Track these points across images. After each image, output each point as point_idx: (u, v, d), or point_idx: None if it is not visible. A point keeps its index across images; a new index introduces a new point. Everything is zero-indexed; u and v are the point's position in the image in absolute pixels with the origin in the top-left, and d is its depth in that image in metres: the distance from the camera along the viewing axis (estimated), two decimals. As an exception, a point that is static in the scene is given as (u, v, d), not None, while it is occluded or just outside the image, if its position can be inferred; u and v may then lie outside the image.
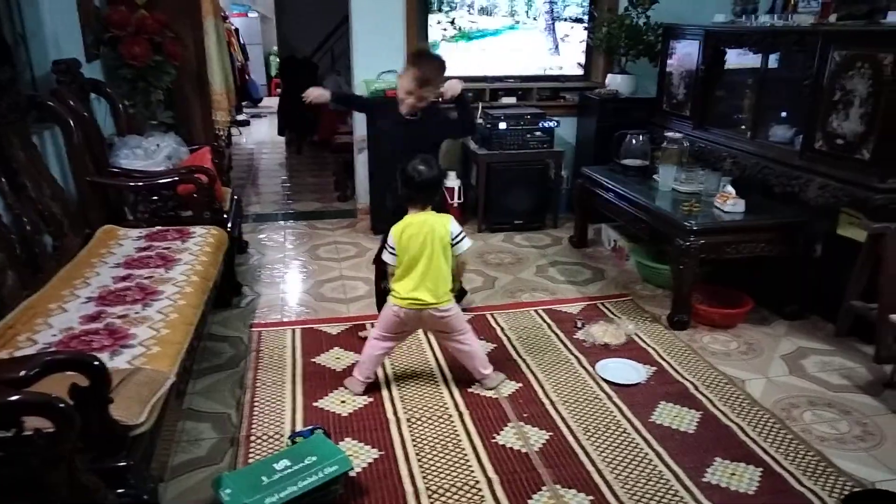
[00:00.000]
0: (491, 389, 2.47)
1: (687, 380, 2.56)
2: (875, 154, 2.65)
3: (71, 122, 2.75)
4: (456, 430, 2.24)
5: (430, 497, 1.93)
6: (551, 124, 4.31)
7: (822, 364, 2.69)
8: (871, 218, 2.67)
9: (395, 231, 2.36)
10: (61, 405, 1.25)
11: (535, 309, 3.19)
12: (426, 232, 2.32)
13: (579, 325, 3.00)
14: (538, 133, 4.29)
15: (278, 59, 10.86)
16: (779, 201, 3.15)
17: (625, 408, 2.38)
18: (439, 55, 3.07)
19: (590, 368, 2.64)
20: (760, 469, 2.05)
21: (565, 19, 4.68)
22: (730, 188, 3.13)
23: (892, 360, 2.58)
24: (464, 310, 3.06)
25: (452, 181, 4.44)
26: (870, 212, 2.66)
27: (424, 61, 2.75)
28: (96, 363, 1.44)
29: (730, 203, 3.06)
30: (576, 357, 2.74)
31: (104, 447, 1.48)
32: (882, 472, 2.04)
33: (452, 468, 2.05)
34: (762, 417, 2.32)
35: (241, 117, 8.39)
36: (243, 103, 9.13)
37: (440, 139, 2.99)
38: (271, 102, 10.46)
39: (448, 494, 1.94)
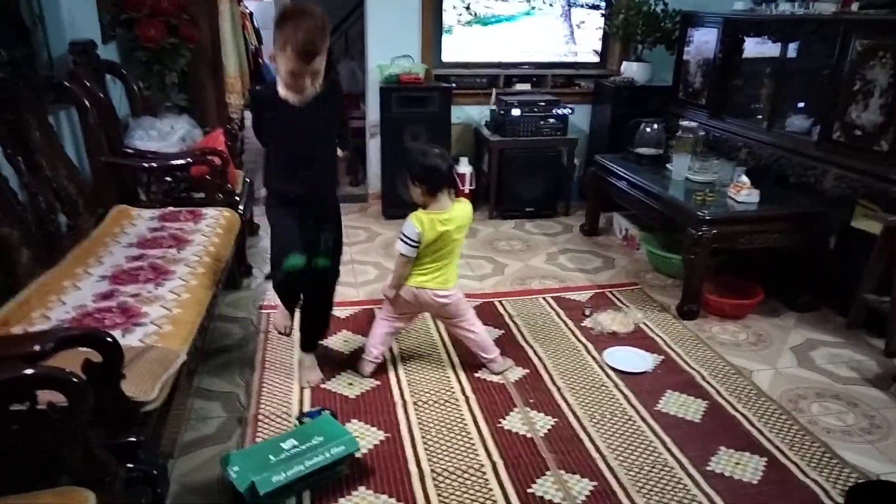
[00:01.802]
0: (497, 374, 2.49)
1: (694, 369, 2.56)
2: (894, 146, 2.61)
3: (87, 103, 2.78)
4: (462, 414, 2.26)
5: (434, 479, 1.95)
6: (565, 111, 4.29)
7: (831, 356, 2.67)
8: (888, 210, 2.64)
9: (419, 223, 2.30)
10: (75, 379, 1.27)
11: (543, 296, 3.19)
12: (455, 225, 2.35)
13: (587, 312, 3.00)
14: (552, 120, 4.26)
15: (293, 43, 10.87)
16: (794, 192, 3.12)
17: (631, 396, 2.39)
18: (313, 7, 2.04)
19: (597, 356, 2.65)
20: (765, 459, 2.05)
21: (581, 6, 4.64)
22: (744, 178, 3.10)
23: (903, 353, 2.56)
24: (471, 296, 3.08)
25: (464, 167, 4.44)
26: (887, 204, 2.63)
27: (302, 21, 1.96)
28: (109, 339, 1.46)
29: (744, 193, 3.03)
30: (583, 344, 2.74)
31: (116, 423, 1.51)
32: (887, 465, 2.04)
33: (458, 452, 2.07)
34: (769, 408, 2.31)
35: (255, 101, 8.39)
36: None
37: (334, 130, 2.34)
38: (286, 86, 10.48)
39: (453, 477, 1.96)
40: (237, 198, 3.20)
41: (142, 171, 3.10)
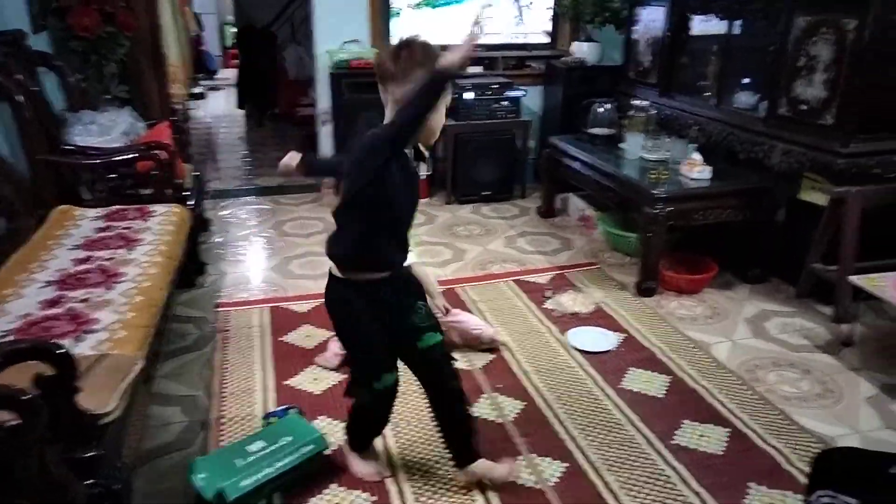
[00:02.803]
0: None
1: (655, 345, 2.61)
2: (838, 119, 2.69)
3: (19, 98, 2.63)
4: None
5: (406, 471, 1.93)
6: (518, 94, 4.28)
7: (783, 325, 2.76)
8: (834, 182, 2.73)
9: None
10: (26, 397, 1.21)
11: (505, 280, 3.20)
12: None
13: (548, 294, 3.02)
14: (505, 103, 4.26)
15: (234, 30, 10.56)
16: (743, 167, 3.20)
17: (596, 375, 2.42)
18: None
19: (560, 337, 2.67)
20: (728, 429, 2.11)
21: (530, -14, 4.62)
22: (696, 155, 3.16)
23: (850, 319, 2.66)
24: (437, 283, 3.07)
25: (419, 153, 4.39)
26: (832, 176, 2.71)
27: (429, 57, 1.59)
28: (61, 350, 1.39)
29: (697, 170, 3.09)
30: (546, 327, 2.76)
31: (73, 438, 1.44)
32: (841, 427, 2.12)
33: (428, 442, 2.06)
34: (728, 379, 2.38)
35: (197, 90, 8.14)
36: (199, 75, 8.86)
37: None
38: (227, 74, 10.18)
39: (424, 468, 1.95)
40: (187, 193, 3.10)
41: (83, 169, 2.96)
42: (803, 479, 1.86)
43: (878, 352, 2.55)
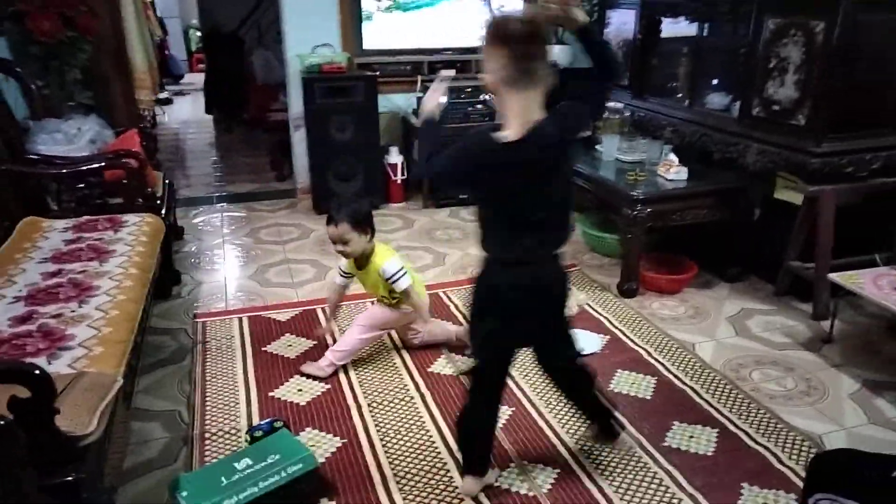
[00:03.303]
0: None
1: (641, 347, 2.61)
2: (810, 119, 2.73)
3: (-20, 107, 2.53)
4: (419, 413, 2.21)
5: (398, 483, 1.89)
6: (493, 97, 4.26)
7: (765, 324, 2.79)
8: (808, 181, 2.77)
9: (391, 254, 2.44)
10: (1, 422, 1.14)
11: (486, 284, 3.17)
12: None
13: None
14: (479, 106, 4.24)
15: (199, 34, 10.37)
16: (718, 167, 3.23)
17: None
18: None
19: (546, 341, 2.65)
20: (717, 430, 2.11)
21: (501, -11, 4.62)
22: (672, 156, 3.19)
23: (828, 316, 2.71)
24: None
25: (395, 157, 4.36)
26: (806, 175, 2.75)
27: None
28: (37, 372, 1.32)
29: (673, 171, 3.11)
30: (531, 330, 2.74)
31: (52, 462, 1.37)
32: (828, 424, 2.14)
33: (419, 452, 2.02)
34: (714, 379, 2.39)
35: (163, 95, 7.97)
36: (164, 80, 8.67)
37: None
38: (193, 79, 10.00)
39: (417, 478, 1.91)
40: (158, 201, 3.01)
41: (50, 179, 2.86)
42: (795, 479, 1.88)
43: (857, 347, 2.59)
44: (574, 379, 1.93)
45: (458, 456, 1.95)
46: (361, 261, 2.40)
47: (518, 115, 1.55)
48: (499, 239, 1.65)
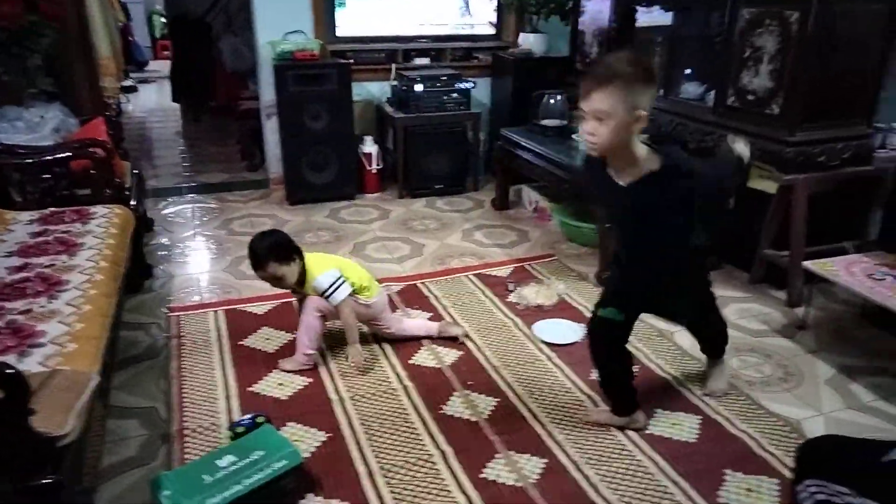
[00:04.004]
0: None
1: (621, 336, 2.62)
2: (784, 109, 2.77)
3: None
4: (402, 405, 2.19)
5: (384, 476, 1.87)
6: (468, 85, 4.25)
7: (741, 311, 2.83)
8: (782, 170, 2.81)
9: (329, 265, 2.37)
10: (-24, 425, 1.09)
11: (465, 274, 3.16)
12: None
13: (511, 287, 3.00)
14: (455, 95, 4.21)
15: (163, 19, 10.10)
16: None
17: (565, 367, 2.41)
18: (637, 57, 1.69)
19: (526, 331, 2.65)
20: (699, 417, 2.14)
21: (475, -23, 4.58)
22: (649, 146, 3.19)
23: (803, 303, 2.76)
24: (393, 279, 3.01)
25: (370, 146, 4.31)
26: (781, 164, 2.79)
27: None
28: (10, 371, 1.26)
29: (650, 160, 3.12)
30: (511, 320, 2.74)
31: (28, 465, 1.31)
32: (806, 410, 2.18)
33: (404, 444, 2.00)
34: (693, 366, 2.41)
35: (127, 83, 7.74)
36: (128, 67, 8.43)
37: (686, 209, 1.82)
38: (157, 66, 9.75)
39: (403, 471, 1.89)
40: (127, 192, 2.93)
41: (12, 169, 2.75)
42: (776, 464, 1.91)
43: (831, 334, 2.65)
44: None
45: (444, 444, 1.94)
46: (300, 281, 2.36)
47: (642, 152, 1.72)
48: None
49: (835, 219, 2.92)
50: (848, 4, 2.66)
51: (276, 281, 2.32)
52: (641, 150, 1.71)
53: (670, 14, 3.53)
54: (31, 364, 1.62)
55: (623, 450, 1.99)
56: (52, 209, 2.64)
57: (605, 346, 2.05)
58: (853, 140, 2.87)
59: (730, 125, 3.02)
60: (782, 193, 2.87)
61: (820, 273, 2.51)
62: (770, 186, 2.94)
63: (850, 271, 2.48)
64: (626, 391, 2.08)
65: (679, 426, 2.09)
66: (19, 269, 2.15)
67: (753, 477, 1.87)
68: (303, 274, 2.34)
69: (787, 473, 1.85)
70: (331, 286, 2.30)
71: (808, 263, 2.57)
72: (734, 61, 3.00)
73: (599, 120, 1.62)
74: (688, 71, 3.57)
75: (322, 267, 2.34)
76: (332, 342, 2.53)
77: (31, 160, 2.72)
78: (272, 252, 2.27)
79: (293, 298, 2.80)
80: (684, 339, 2.61)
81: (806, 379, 2.35)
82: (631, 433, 2.05)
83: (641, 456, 1.96)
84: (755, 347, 2.55)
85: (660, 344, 2.57)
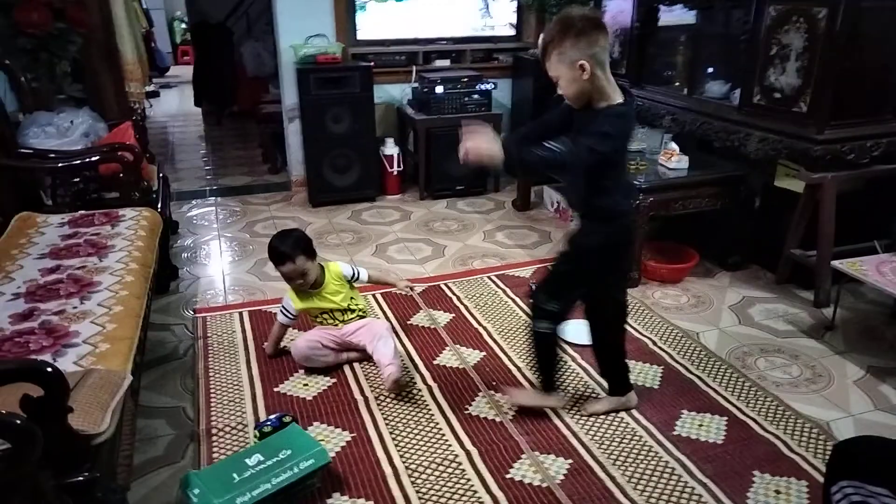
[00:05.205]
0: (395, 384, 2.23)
1: (645, 336, 2.61)
2: (812, 106, 2.73)
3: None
4: (427, 405, 2.19)
5: (410, 476, 1.88)
6: (488, 87, 4.25)
7: (767, 312, 2.80)
8: (810, 169, 2.77)
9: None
10: (18, 422, 1.11)
11: (488, 275, 3.16)
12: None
13: (533, 288, 2.99)
14: (476, 96, 4.22)
15: (184, 25, 10.23)
16: (718, 156, 3.23)
17: (589, 368, 2.40)
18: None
19: (550, 331, 2.64)
20: (726, 418, 2.12)
21: (495, -22, 4.59)
22: (673, 145, 3.18)
23: (830, 303, 2.72)
24: (416, 280, 3.02)
25: (391, 148, 4.32)
26: (809, 163, 2.75)
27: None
28: (50, 369, 1.28)
29: (674, 160, 3.11)
30: (535, 321, 2.73)
31: (65, 461, 1.34)
32: (835, 411, 2.16)
33: (429, 444, 2.01)
34: (720, 367, 2.39)
35: (149, 88, 7.85)
36: (151, 73, 8.56)
37: None
38: (178, 72, 9.88)
39: (429, 471, 1.90)
40: (154, 195, 2.97)
41: (43, 173, 2.81)
42: (805, 466, 1.89)
43: (860, 334, 2.61)
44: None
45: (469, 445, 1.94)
46: (315, 283, 2.38)
47: (613, 84, 1.78)
48: (622, 190, 1.94)
49: (863, 217, 2.87)
50: (876, 0, 2.62)
51: (300, 276, 2.33)
52: (610, 90, 1.78)
53: (693, 12, 3.50)
54: (65, 364, 1.65)
55: (649, 450, 1.98)
56: (82, 212, 2.69)
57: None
58: (883, 137, 2.81)
59: (756, 123, 2.99)
60: (810, 192, 2.83)
61: (849, 272, 2.47)
62: (797, 185, 2.91)
63: (881, 271, 2.44)
64: (625, 368, 2.17)
65: (705, 427, 2.08)
66: (52, 270, 2.19)
67: (783, 479, 1.85)
68: (319, 277, 2.40)
69: (817, 475, 1.83)
70: (353, 269, 2.49)
71: (836, 263, 2.54)
72: (760, 59, 2.96)
73: (558, 82, 1.80)
74: (711, 69, 3.54)
75: (335, 263, 2.49)
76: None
77: (61, 164, 2.77)
78: (302, 246, 2.32)
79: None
80: (709, 339, 2.60)
81: (835, 380, 2.32)
82: (657, 433, 2.04)
83: (668, 457, 1.95)
84: (782, 348, 2.52)
85: (684, 343, 2.55)
